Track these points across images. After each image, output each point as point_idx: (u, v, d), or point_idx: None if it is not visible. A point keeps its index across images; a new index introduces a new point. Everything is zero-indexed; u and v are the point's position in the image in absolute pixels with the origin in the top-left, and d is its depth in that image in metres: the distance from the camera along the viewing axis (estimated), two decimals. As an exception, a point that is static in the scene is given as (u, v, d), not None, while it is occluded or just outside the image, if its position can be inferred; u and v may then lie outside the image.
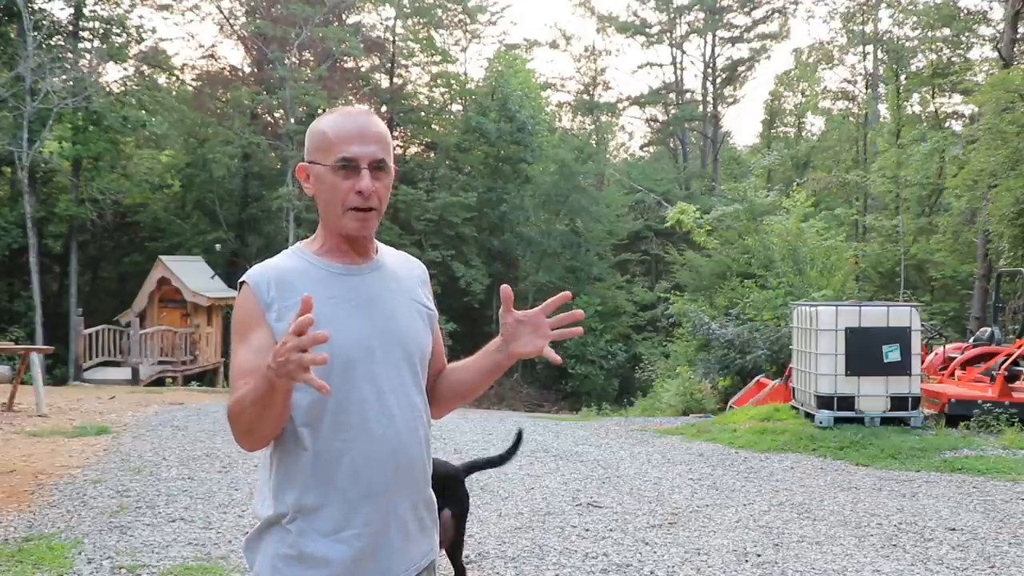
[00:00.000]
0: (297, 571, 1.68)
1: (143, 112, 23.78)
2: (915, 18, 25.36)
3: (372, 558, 1.70)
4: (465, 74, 33.96)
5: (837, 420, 9.04)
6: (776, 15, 37.86)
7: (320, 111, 25.42)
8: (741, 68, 39.25)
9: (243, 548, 1.78)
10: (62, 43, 21.70)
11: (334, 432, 1.68)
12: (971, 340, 12.18)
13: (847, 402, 9.11)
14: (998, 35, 22.39)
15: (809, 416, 9.41)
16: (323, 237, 1.80)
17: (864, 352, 9.05)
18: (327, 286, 1.73)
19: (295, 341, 1.45)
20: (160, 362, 19.49)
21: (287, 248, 1.86)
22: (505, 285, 1.83)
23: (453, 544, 3.94)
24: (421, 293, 1.88)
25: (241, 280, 1.74)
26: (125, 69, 24.33)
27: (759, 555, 4.97)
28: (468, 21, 33.87)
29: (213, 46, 35.73)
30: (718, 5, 37.28)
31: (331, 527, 1.68)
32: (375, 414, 1.71)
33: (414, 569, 1.78)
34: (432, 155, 31.77)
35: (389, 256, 1.89)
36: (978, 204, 19.49)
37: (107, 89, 22.43)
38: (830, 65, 34.24)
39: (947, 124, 27.88)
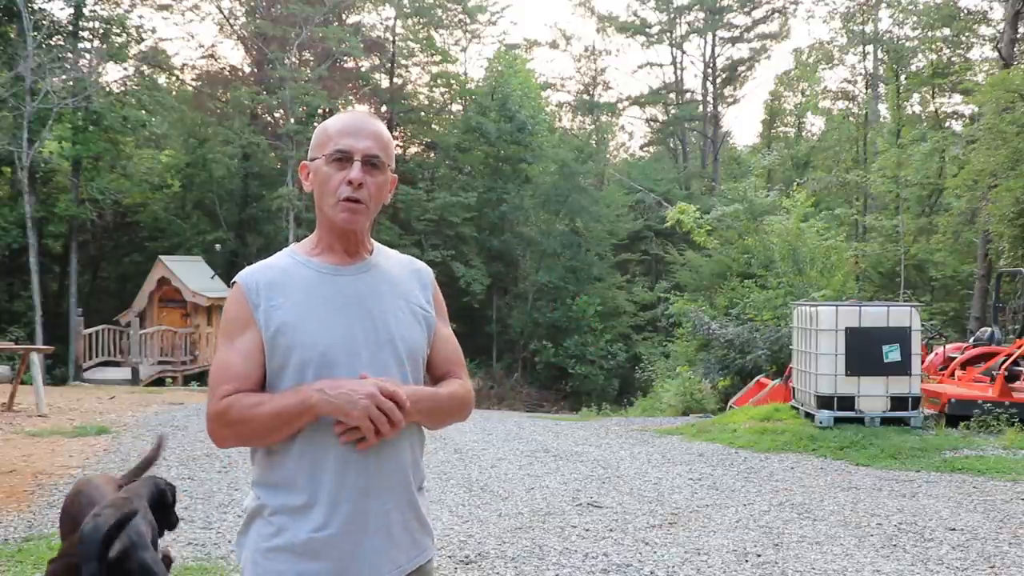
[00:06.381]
0: (274, 565, 1.70)
1: (143, 112, 23.77)
2: (915, 18, 25.31)
3: (351, 557, 1.70)
4: (465, 74, 34.00)
5: (837, 420, 9.04)
6: (776, 15, 37.89)
7: (320, 111, 25.45)
8: (741, 68, 39.25)
9: (235, 544, 1.81)
10: (62, 43, 21.67)
11: (317, 430, 1.70)
12: (971, 340, 12.18)
13: (847, 402, 9.11)
14: (998, 35, 22.37)
15: (809, 416, 9.41)
16: (317, 237, 1.84)
17: (864, 352, 9.05)
18: (315, 286, 1.77)
19: (379, 400, 1.65)
20: (160, 362, 19.49)
21: (284, 248, 1.91)
22: None
23: None
24: (420, 296, 1.88)
25: (233, 280, 1.80)
26: (125, 69, 24.31)
27: (759, 555, 4.97)
28: (468, 21, 33.85)
29: (213, 46, 35.74)
30: (718, 5, 37.25)
31: (312, 523, 1.69)
32: None
33: (399, 572, 1.77)
34: (432, 155, 31.77)
35: (387, 258, 1.90)
36: (978, 204, 19.49)
37: (107, 89, 22.40)
38: (830, 65, 34.21)
39: (947, 124, 27.85)
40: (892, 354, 9.04)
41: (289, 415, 1.66)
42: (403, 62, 31.33)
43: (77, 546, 2.87)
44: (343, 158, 1.76)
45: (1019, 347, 10.21)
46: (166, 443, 3.92)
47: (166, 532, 3.63)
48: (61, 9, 31.32)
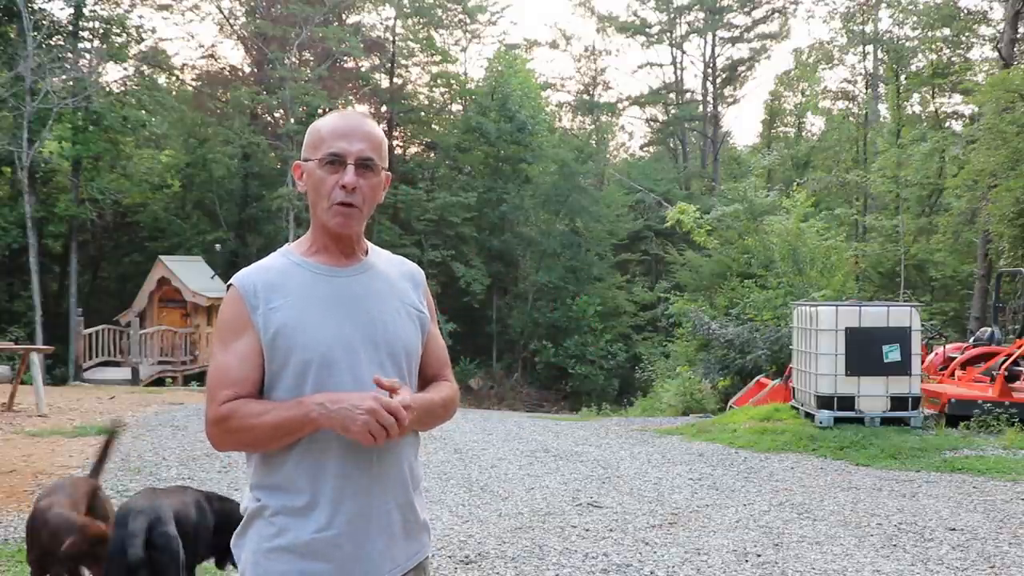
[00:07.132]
0: (277, 565, 1.70)
1: (143, 112, 23.76)
2: (915, 18, 25.32)
3: (353, 557, 1.72)
4: (465, 74, 33.97)
5: (837, 420, 9.04)
6: (776, 15, 37.87)
7: (320, 111, 25.44)
8: (741, 68, 39.21)
9: (231, 544, 1.80)
10: (62, 43, 21.67)
11: (318, 432, 1.70)
12: (971, 340, 12.18)
13: (847, 402, 9.11)
14: (998, 35, 22.37)
15: (809, 416, 9.41)
16: (312, 237, 1.84)
17: (864, 352, 9.05)
18: (312, 287, 1.77)
19: (380, 415, 1.63)
20: (160, 362, 19.48)
21: (278, 249, 1.90)
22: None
23: None
24: (414, 296, 1.89)
25: (229, 282, 1.78)
26: (125, 69, 24.31)
27: (759, 555, 4.97)
28: (468, 21, 33.82)
29: (213, 46, 35.69)
30: (718, 5, 37.23)
31: (315, 524, 1.69)
32: None
33: (398, 570, 1.79)
34: (432, 155, 31.76)
35: (381, 258, 1.90)
36: (978, 204, 19.49)
37: (107, 89, 22.39)
38: (830, 65, 34.23)
39: (947, 124, 27.85)
40: (892, 354, 9.04)
41: (290, 427, 1.67)
42: (403, 62, 31.32)
43: (115, 522, 3.25)
44: (336, 161, 1.76)
45: (1019, 347, 10.21)
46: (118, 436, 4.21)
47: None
48: (61, 9, 31.34)
